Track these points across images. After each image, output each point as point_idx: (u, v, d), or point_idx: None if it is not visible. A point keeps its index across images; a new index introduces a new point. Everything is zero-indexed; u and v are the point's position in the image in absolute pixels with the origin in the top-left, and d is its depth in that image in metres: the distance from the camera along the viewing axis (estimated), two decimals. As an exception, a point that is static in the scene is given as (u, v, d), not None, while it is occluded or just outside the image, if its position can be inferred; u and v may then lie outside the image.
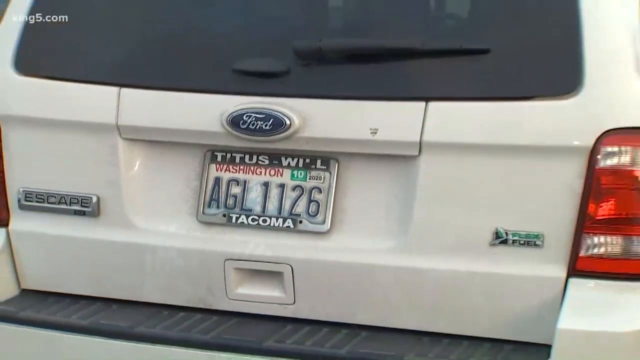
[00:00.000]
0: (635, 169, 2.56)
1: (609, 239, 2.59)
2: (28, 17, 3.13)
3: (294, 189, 2.85)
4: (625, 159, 2.56)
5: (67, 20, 3.12)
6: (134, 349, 2.86)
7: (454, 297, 2.73)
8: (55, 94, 3.06)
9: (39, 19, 3.13)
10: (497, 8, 2.90)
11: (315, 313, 2.84)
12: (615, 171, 2.56)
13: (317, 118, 2.78)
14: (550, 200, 2.63)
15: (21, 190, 3.08)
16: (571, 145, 2.59)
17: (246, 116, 2.78)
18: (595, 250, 2.59)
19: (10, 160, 3.10)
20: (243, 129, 2.79)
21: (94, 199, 2.98)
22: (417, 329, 2.76)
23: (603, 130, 2.55)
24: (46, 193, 3.06)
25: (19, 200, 3.09)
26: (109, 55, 3.09)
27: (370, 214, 2.81)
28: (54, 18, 3.13)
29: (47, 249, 3.09)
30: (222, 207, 2.90)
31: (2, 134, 3.11)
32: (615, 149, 2.56)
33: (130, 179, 2.98)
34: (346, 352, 2.69)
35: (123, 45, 3.12)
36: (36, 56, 3.13)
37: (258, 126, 2.78)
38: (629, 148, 2.56)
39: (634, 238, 2.57)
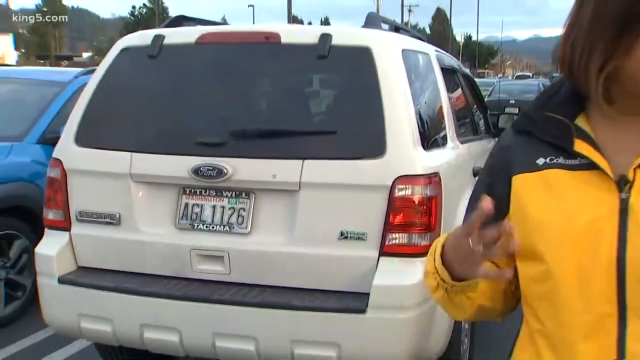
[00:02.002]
0: (412, 197, 2.63)
1: (400, 235, 2.64)
2: (81, 115, 3.09)
3: (229, 209, 2.82)
4: (408, 192, 2.63)
5: (101, 118, 3.11)
6: (139, 300, 2.83)
7: (320, 269, 2.73)
8: (96, 157, 3.00)
9: (87, 116, 3.08)
10: (342, 111, 2.96)
11: (242, 279, 2.80)
12: (402, 198, 2.63)
13: (242, 169, 2.76)
14: (370, 214, 2.66)
15: (77, 210, 3.02)
16: (381, 184, 2.64)
17: (202, 168, 2.77)
18: (393, 242, 2.65)
19: (71, 193, 3.03)
20: (200, 175, 2.78)
21: (117, 215, 2.94)
22: (299, 287, 2.75)
23: (396, 176, 2.63)
24: (91, 211, 2.99)
25: (76, 216, 3.02)
26: (126, 136, 3.02)
27: (273, 223, 2.79)
28: (96, 115, 3.10)
29: (92, 243, 3.03)
30: (189, 219, 2.86)
31: (67, 179, 3.04)
32: (403, 186, 2.63)
33: (137, 203, 2.93)
34: (259, 300, 2.70)
35: (134, 130, 3.04)
36: (86, 136, 3.05)
37: (209, 174, 2.76)
38: (409, 186, 2.63)
39: (412, 234, 2.64)
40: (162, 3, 65.92)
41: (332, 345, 2.63)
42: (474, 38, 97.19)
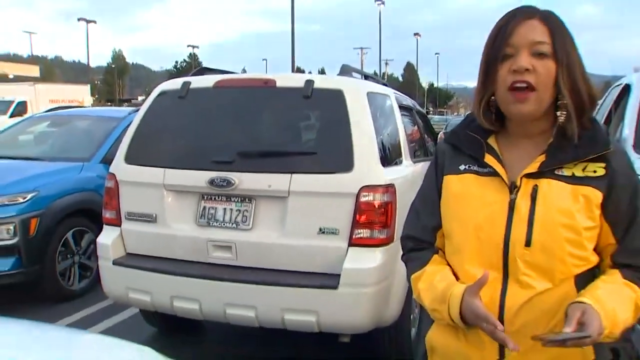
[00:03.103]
0: (373, 202, 2.59)
1: (364, 230, 2.59)
2: (129, 141, 3.07)
3: (236, 211, 2.76)
4: (370, 198, 2.59)
5: (144, 143, 3.06)
6: (170, 278, 2.79)
7: (303, 256, 2.66)
8: (140, 171, 2.97)
9: (134, 142, 3.07)
10: (320, 137, 2.88)
11: (245, 263, 2.74)
12: (366, 202, 2.58)
13: (246, 180, 2.72)
14: (342, 214, 2.61)
15: (126, 211, 2.99)
16: (349, 192, 2.60)
17: (216, 179, 2.74)
18: (359, 235, 2.60)
19: (122, 199, 3.00)
20: (215, 185, 2.74)
21: (154, 215, 2.90)
22: (288, 269, 2.68)
23: (361, 186, 2.59)
24: (135, 212, 2.96)
25: (125, 215, 2.99)
26: (161, 156, 2.98)
27: (269, 221, 2.73)
28: (140, 141, 3.07)
29: (136, 236, 2.99)
30: (206, 218, 2.80)
31: (119, 188, 3.01)
32: (366, 193, 2.58)
33: (168, 206, 2.88)
34: (258, 279, 2.64)
35: (167, 152, 2.99)
36: (133, 156, 3.03)
37: (221, 184, 2.73)
38: (371, 193, 2.59)
39: (373, 230, 2.59)
40: (197, 58, 66.68)
41: (312, 312, 2.59)
42: (435, 85, 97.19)
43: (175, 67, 68.86)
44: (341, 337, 2.77)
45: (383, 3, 48.09)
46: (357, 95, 2.83)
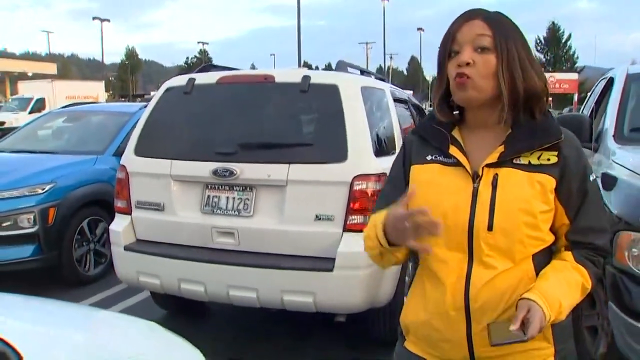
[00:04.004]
0: (366, 190, 2.62)
1: (357, 216, 2.61)
2: (139, 134, 3.12)
3: (238, 199, 2.80)
4: (363, 186, 2.62)
5: (152, 136, 3.10)
6: (177, 262, 2.84)
7: (301, 241, 2.70)
8: (148, 163, 3.02)
9: (143, 135, 3.11)
10: (317, 129, 2.92)
11: (247, 248, 2.78)
12: (359, 190, 2.62)
13: (247, 170, 2.76)
14: (337, 202, 2.65)
15: (136, 200, 3.03)
16: (343, 181, 2.64)
17: (219, 170, 2.78)
18: (353, 221, 2.63)
19: (132, 189, 3.05)
20: (218, 175, 2.79)
21: (162, 203, 2.94)
22: (287, 254, 2.72)
23: (354, 175, 2.63)
24: (144, 201, 3.01)
25: (135, 204, 3.04)
26: (168, 148, 3.02)
27: (268, 208, 2.76)
28: (149, 134, 3.11)
29: (145, 223, 3.02)
30: (210, 206, 2.84)
31: (130, 179, 3.06)
32: (359, 182, 2.62)
33: (175, 195, 2.92)
34: (259, 263, 2.70)
35: (173, 144, 3.02)
36: (142, 149, 3.07)
37: (224, 174, 2.77)
38: (363, 181, 2.62)
39: (366, 216, 2.56)
40: (208, 54, 66.60)
41: (310, 293, 2.65)
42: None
43: (186, 62, 68.80)
44: (337, 317, 2.83)
45: (387, -1, 47.67)
46: (351, 90, 2.86)
